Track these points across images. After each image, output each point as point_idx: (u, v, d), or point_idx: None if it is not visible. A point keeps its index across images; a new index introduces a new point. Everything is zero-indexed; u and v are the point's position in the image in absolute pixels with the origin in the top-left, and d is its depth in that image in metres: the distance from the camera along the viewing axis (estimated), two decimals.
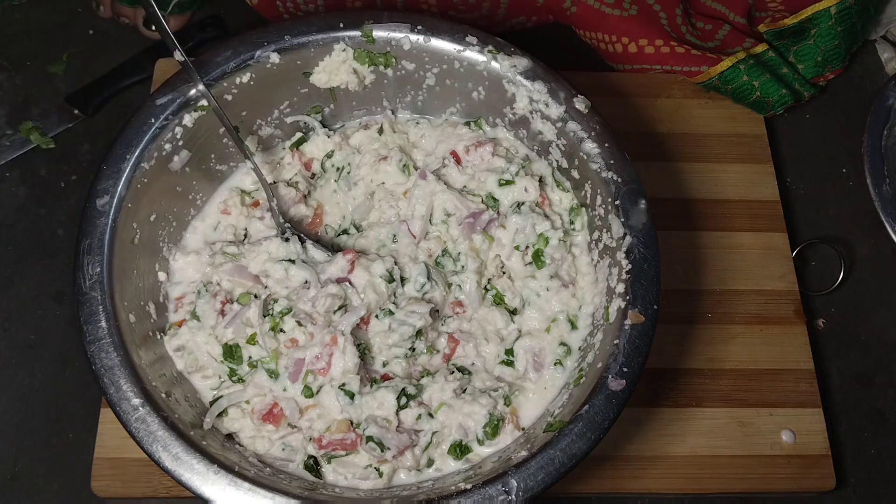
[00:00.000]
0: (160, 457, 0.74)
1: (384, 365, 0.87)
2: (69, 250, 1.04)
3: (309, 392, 0.84)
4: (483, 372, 0.89)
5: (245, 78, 0.91)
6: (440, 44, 0.93)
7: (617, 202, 0.86)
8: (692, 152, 1.10)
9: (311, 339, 0.85)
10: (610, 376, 0.78)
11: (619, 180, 0.87)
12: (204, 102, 0.88)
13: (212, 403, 0.85)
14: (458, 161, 0.98)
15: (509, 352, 0.89)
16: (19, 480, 0.94)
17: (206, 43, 1.20)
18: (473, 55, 0.93)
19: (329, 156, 1.00)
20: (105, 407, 0.91)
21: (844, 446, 1.00)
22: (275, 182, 0.97)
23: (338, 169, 0.99)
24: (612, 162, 0.88)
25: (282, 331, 0.86)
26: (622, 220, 0.85)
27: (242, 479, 0.73)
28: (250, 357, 0.86)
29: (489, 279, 0.93)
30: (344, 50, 0.93)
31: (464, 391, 0.86)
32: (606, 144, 0.89)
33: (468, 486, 0.73)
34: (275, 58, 0.91)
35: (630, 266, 0.83)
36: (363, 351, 0.87)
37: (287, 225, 0.93)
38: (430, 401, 0.85)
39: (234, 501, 0.72)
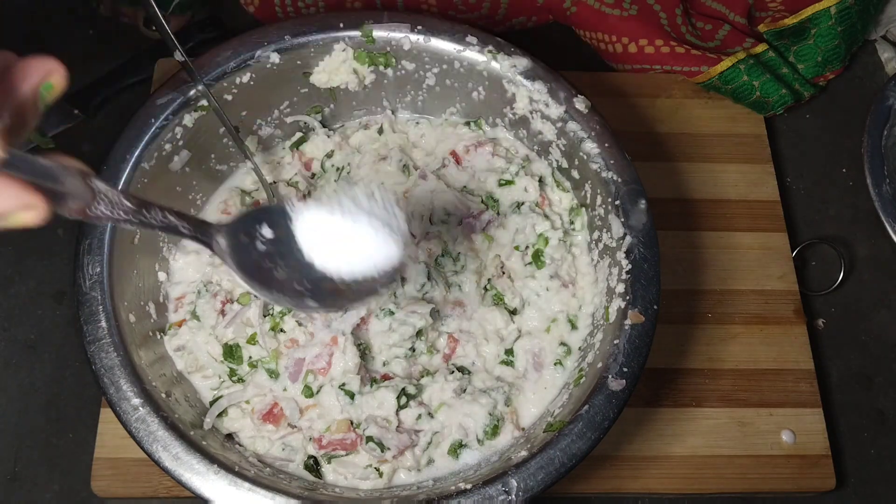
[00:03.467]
0: (160, 457, 0.74)
1: (384, 365, 0.87)
2: (69, 250, 1.04)
3: (309, 392, 0.84)
4: (483, 372, 0.89)
5: (245, 78, 0.91)
6: (440, 44, 0.93)
7: (617, 202, 0.86)
8: (692, 152, 1.10)
9: (312, 338, 0.85)
10: (610, 376, 0.78)
11: (619, 180, 0.87)
12: (204, 102, 0.88)
13: (212, 403, 0.85)
14: (458, 161, 0.98)
15: (509, 352, 0.89)
16: (19, 480, 0.94)
17: (206, 43, 1.20)
18: (473, 55, 0.93)
19: (329, 156, 1.00)
20: (105, 407, 0.91)
21: (844, 446, 1.00)
22: (275, 182, 0.97)
23: (338, 169, 0.99)
24: (612, 162, 0.88)
25: (282, 330, 0.86)
26: (622, 220, 0.85)
27: (242, 479, 0.73)
28: (250, 357, 0.86)
29: (489, 279, 0.93)
30: (344, 50, 0.93)
31: (464, 391, 0.86)
32: (606, 144, 0.89)
33: (468, 486, 0.73)
34: (275, 58, 0.91)
35: (630, 266, 0.83)
36: (363, 351, 0.87)
37: None
38: (430, 401, 0.85)
39: (234, 501, 0.72)
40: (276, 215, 0.60)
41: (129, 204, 0.50)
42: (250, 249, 0.59)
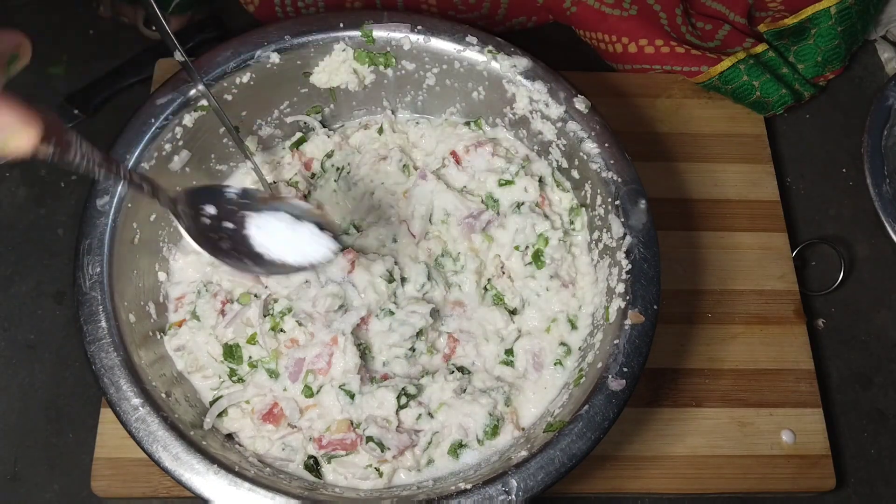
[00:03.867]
0: (160, 457, 0.74)
1: (384, 365, 0.87)
2: (69, 250, 1.04)
3: (309, 392, 0.84)
4: (483, 372, 0.89)
5: (245, 78, 0.91)
6: (440, 44, 0.93)
7: (617, 202, 0.86)
8: (692, 152, 1.10)
9: (312, 338, 0.85)
10: (610, 376, 0.78)
11: (619, 180, 0.87)
12: (204, 102, 0.88)
13: (212, 403, 0.85)
14: (457, 161, 0.98)
15: (509, 352, 0.89)
16: (19, 480, 0.94)
17: (206, 43, 1.20)
18: (473, 55, 0.93)
19: (329, 156, 1.00)
20: (105, 407, 0.91)
21: (844, 446, 1.00)
22: (275, 182, 0.97)
23: (338, 169, 0.99)
24: (612, 162, 0.88)
25: (282, 330, 0.86)
26: (622, 220, 0.85)
27: (242, 479, 0.73)
28: (250, 357, 0.86)
29: (489, 279, 0.93)
30: (344, 50, 0.93)
31: (464, 391, 0.86)
32: (606, 144, 0.89)
33: (468, 486, 0.73)
34: (275, 58, 0.91)
35: (630, 266, 0.83)
36: (363, 351, 0.87)
37: None
38: (430, 401, 0.85)
39: (234, 501, 0.72)
40: (222, 195, 0.73)
41: (97, 154, 0.58)
42: (198, 219, 0.71)
